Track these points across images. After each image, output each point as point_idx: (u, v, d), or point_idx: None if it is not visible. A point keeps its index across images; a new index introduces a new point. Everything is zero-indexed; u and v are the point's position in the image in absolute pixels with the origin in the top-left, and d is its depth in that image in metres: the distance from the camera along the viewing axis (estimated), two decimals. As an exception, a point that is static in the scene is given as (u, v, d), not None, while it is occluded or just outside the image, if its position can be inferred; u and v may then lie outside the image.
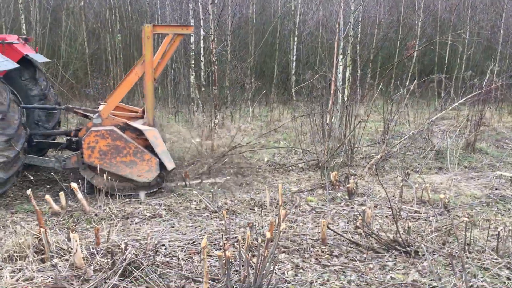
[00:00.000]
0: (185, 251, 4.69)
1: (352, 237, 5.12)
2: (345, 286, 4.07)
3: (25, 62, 7.61)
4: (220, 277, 4.03)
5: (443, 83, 15.73)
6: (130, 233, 5.25)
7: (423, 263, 4.50)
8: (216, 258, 4.34)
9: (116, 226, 5.43)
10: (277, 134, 11.45)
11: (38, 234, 4.50)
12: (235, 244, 4.80)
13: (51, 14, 16.95)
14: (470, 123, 10.33)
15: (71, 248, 4.31)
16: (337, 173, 7.31)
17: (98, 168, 6.46)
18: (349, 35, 13.51)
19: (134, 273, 4.03)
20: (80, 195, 5.84)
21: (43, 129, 7.89)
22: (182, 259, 4.48)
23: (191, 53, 14.04)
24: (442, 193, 6.53)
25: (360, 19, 16.56)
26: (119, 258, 4.11)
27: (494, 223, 5.64)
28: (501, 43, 18.65)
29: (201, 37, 13.98)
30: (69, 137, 7.60)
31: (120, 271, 4.00)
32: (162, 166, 6.65)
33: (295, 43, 18.35)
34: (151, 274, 4.06)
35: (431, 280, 4.14)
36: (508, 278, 4.19)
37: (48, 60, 8.41)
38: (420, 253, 4.66)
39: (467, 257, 4.56)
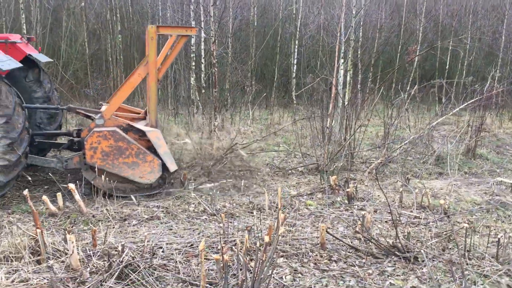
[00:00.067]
0: (182, 254, 4.66)
1: (351, 242, 5.08)
2: (344, 292, 4.03)
3: (29, 62, 7.59)
4: (218, 281, 3.99)
5: (444, 88, 15.69)
6: (127, 235, 5.21)
7: (422, 269, 4.46)
8: (213, 262, 4.30)
9: (113, 228, 5.39)
10: (277, 138, 11.42)
11: (34, 235, 4.46)
12: (233, 247, 4.76)
13: (52, 14, 16.93)
14: (471, 128, 10.30)
15: (68, 250, 4.27)
16: (337, 177, 7.28)
17: (97, 169, 6.42)
18: (350, 39, 13.48)
19: (130, 276, 3.99)
20: (77, 196, 5.80)
21: (43, 138, 7.84)
22: (180, 262, 4.44)
23: (192, 55, 14.01)
24: (442, 199, 6.49)
25: (361, 23, 16.53)
26: (116, 260, 4.08)
27: (494, 229, 5.61)
28: (503, 49, 18.64)
29: (202, 39, 13.96)
30: (71, 138, 7.56)
31: (116, 273, 3.97)
32: (164, 167, 6.62)
33: (296, 46, 18.33)
34: (148, 277, 4.02)
35: (430, 286, 4.11)
36: (508, 286, 4.15)
37: (50, 60, 8.38)
38: (419, 259, 4.62)
39: (467, 264, 4.53)
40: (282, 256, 4.67)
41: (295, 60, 18.45)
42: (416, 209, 6.29)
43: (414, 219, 5.96)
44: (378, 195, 6.95)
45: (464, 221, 5.83)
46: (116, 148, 6.43)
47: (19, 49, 7.21)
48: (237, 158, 8.44)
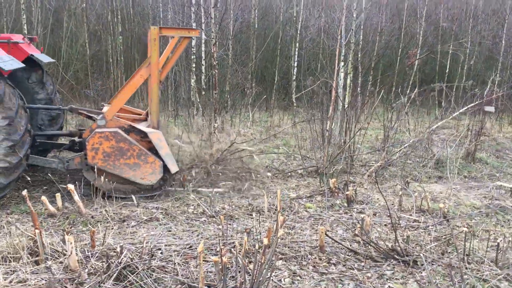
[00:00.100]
0: (181, 255, 4.65)
1: (351, 245, 5.07)
2: (343, 295, 4.02)
3: (32, 63, 7.60)
4: (216, 283, 3.98)
5: (444, 92, 15.69)
6: (126, 236, 5.20)
7: (421, 273, 4.45)
8: (212, 264, 4.29)
9: (112, 229, 5.38)
10: (276, 140, 11.42)
11: (33, 236, 4.45)
12: (232, 249, 4.75)
13: (53, 14, 16.94)
14: (471, 132, 10.30)
15: (66, 251, 4.26)
16: (336, 180, 7.27)
17: (96, 169, 6.41)
18: (351, 42, 13.50)
19: (129, 277, 3.98)
20: (76, 197, 5.80)
21: (44, 138, 7.82)
22: (178, 263, 4.43)
23: (192, 57, 14.01)
24: (442, 203, 6.49)
25: (362, 26, 16.55)
26: (114, 261, 4.07)
27: (494, 234, 5.60)
28: (503, 53, 18.66)
29: (203, 41, 13.96)
30: (72, 138, 7.55)
31: (115, 275, 3.96)
32: (165, 169, 6.61)
33: (297, 49, 18.34)
34: (146, 279, 4.01)
35: (429, 290, 4.09)
36: (507, 290, 4.14)
37: (53, 60, 8.39)
38: (418, 263, 4.61)
39: (466, 268, 4.52)
40: (281, 259, 4.66)
41: (296, 63, 18.46)
42: (416, 212, 6.28)
43: (413, 222, 5.95)
44: (378, 198, 6.95)
45: (463, 225, 5.82)
46: (118, 149, 6.42)
47: (21, 49, 7.21)
48: (236, 160, 8.43)
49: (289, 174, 8.51)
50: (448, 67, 19.19)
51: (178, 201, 6.62)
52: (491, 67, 18.60)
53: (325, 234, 4.91)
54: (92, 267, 4.18)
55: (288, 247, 4.95)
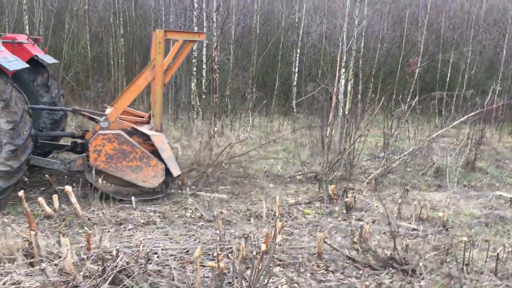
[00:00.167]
0: (178, 260, 4.60)
1: (349, 253, 5.03)
2: (340, 303, 3.97)
3: (37, 64, 7.59)
4: (213, 288, 3.93)
5: (444, 100, 15.68)
6: (122, 239, 5.15)
7: (420, 282, 4.41)
8: (209, 269, 4.24)
9: (108, 232, 5.34)
10: (276, 145, 11.38)
11: (28, 237, 4.41)
12: (229, 255, 4.70)
13: (55, 16, 16.94)
14: (471, 141, 10.27)
15: (62, 253, 4.21)
16: (336, 186, 7.23)
17: (100, 172, 6.38)
18: (352, 49, 13.50)
19: (124, 281, 3.93)
20: (73, 199, 5.76)
21: (46, 139, 7.78)
22: (175, 268, 4.38)
23: (193, 60, 14.01)
24: (441, 211, 6.44)
25: (363, 33, 16.56)
26: (110, 265, 4.02)
27: (493, 244, 5.55)
28: (503, 63, 18.67)
29: (204, 45, 13.95)
30: (74, 140, 7.51)
31: (110, 278, 3.91)
32: (167, 172, 6.58)
33: (298, 54, 18.34)
34: (142, 283, 3.96)
35: (428, 300, 4.05)
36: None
37: (57, 61, 8.37)
38: (417, 272, 4.56)
39: (465, 278, 4.47)
40: (278, 265, 4.62)
41: (297, 69, 18.46)
42: (415, 221, 6.23)
43: (412, 231, 5.91)
44: (377, 206, 6.91)
45: (463, 234, 5.78)
46: (120, 151, 6.40)
47: (25, 50, 7.19)
48: (236, 164, 8.41)
49: (288, 179, 8.47)
50: (449, 75, 19.20)
51: (176, 204, 6.57)
52: (491, 77, 18.60)
53: (324, 241, 4.87)
54: (87, 270, 4.13)
55: (286, 254, 4.90)
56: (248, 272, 4.04)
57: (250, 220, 6.06)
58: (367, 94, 16.39)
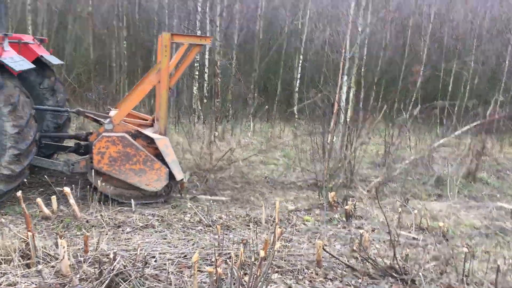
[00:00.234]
0: (175, 264, 4.57)
1: (348, 261, 4.99)
2: (339, 312, 3.93)
3: (44, 68, 7.59)
4: (210, 294, 3.89)
5: (446, 110, 15.66)
6: (120, 242, 5.12)
7: (419, 292, 4.37)
8: (207, 274, 4.20)
9: (106, 234, 5.30)
10: (277, 151, 11.35)
11: (25, 238, 4.38)
12: (228, 260, 4.67)
13: (58, 17, 16.96)
14: (472, 152, 10.23)
15: (58, 255, 4.18)
16: (336, 194, 7.19)
17: (97, 173, 6.36)
18: (355, 56, 13.50)
19: (121, 285, 3.90)
20: (72, 200, 5.72)
21: (50, 140, 7.76)
22: (172, 273, 4.34)
23: (196, 64, 14.01)
24: (441, 221, 6.41)
25: (366, 41, 16.57)
26: (107, 268, 3.98)
27: (494, 255, 5.51)
28: (506, 74, 18.65)
29: (207, 49, 13.96)
30: (77, 141, 7.49)
31: (106, 281, 3.87)
32: (171, 176, 6.55)
33: (300, 61, 18.34)
34: (139, 287, 3.92)
35: (427, 311, 4.01)
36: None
37: (62, 62, 8.35)
38: (417, 282, 4.52)
39: (465, 289, 4.43)
40: (277, 272, 4.58)
41: (299, 75, 18.46)
42: (415, 230, 6.19)
43: (412, 240, 5.87)
44: (377, 214, 6.86)
45: (463, 245, 5.73)
46: (124, 154, 6.38)
47: (31, 50, 7.18)
48: (236, 170, 8.38)
49: (288, 186, 8.44)
50: (451, 85, 19.18)
51: (175, 208, 6.54)
52: (494, 87, 18.58)
53: (323, 248, 4.83)
54: (84, 272, 4.09)
55: (285, 260, 4.87)
56: (246, 278, 3.99)
57: (249, 225, 6.03)
58: (369, 102, 16.39)
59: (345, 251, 5.34)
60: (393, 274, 4.62)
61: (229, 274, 4.17)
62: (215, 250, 4.88)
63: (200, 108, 14.27)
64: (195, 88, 14.31)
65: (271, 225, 6.02)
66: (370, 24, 15.41)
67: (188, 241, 5.33)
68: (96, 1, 18.05)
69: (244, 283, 3.89)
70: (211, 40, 7.23)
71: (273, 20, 20.66)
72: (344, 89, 12.52)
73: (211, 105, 13.47)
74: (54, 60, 7.73)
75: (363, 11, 14.37)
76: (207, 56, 14.19)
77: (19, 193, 4.72)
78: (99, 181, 6.37)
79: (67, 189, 5.71)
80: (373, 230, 6.17)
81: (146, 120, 7.81)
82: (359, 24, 13.60)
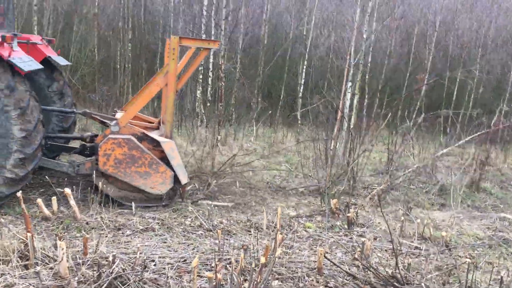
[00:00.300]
0: (175, 269, 4.52)
1: (349, 269, 4.94)
2: (339, 321, 3.88)
3: (54, 71, 7.60)
4: (209, 300, 3.84)
5: (450, 119, 15.61)
6: (120, 245, 5.08)
7: (421, 303, 4.31)
8: (206, 280, 4.16)
9: (106, 237, 5.26)
10: (279, 156, 11.30)
11: (24, 239, 4.34)
12: (228, 266, 4.62)
13: (64, 18, 17.00)
14: (476, 161, 10.17)
15: (57, 256, 4.14)
16: (338, 201, 7.14)
17: (102, 175, 6.35)
18: (360, 62, 13.48)
19: (119, 289, 3.85)
20: (72, 202, 5.69)
21: (55, 141, 7.74)
22: (171, 277, 4.30)
23: (200, 68, 14.00)
24: (444, 231, 6.35)
25: (371, 48, 16.55)
26: (106, 271, 3.95)
27: (497, 266, 5.45)
28: (511, 83, 18.61)
29: (211, 52, 13.96)
30: (83, 142, 7.47)
31: (105, 285, 3.84)
32: (175, 179, 6.52)
33: (305, 66, 18.32)
34: (137, 291, 3.88)
35: (429, 322, 3.95)
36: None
37: (69, 63, 8.35)
38: (419, 292, 4.47)
39: (468, 301, 4.37)
40: (277, 279, 4.53)
41: (303, 80, 18.44)
42: (417, 239, 6.14)
43: (414, 249, 5.81)
44: (379, 222, 6.81)
45: (465, 255, 5.68)
46: (130, 156, 6.36)
47: (39, 51, 7.18)
48: (238, 174, 8.34)
49: (290, 191, 8.39)
50: (455, 94, 19.14)
51: (175, 212, 6.50)
52: (498, 97, 18.52)
53: (324, 256, 4.78)
54: (82, 275, 4.05)
55: (285, 267, 4.82)
56: (246, 284, 3.95)
57: (250, 231, 5.98)
58: (373, 109, 16.35)
59: (346, 259, 5.29)
60: (395, 283, 4.56)
61: (229, 280, 4.13)
62: (215, 255, 4.83)
63: (203, 111, 14.25)
64: (198, 91, 14.30)
65: (272, 231, 5.98)
66: (375, 31, 15.40)
67: (188, 245, 5.29)
68: (102, 2, 18.10)
69: (244, 290, 3.85)
70: (219, 44, 7.22)
71: (278, 25, 20.68)
72: (348, 95, 12.48)
73: (214, 109, 13.45)
74: (61, 61, 7.74)
75: (369, 18, 14.36)
76: (211, 60, 14.18)
77: (19, 194, 4.69)
78: (100, 182, 6.34)
79: (67, 190, 5.68)
80: (375, 239, 6.11)
81: (152, 122, 7.79)
82: (364, 31, 13.60)
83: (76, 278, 3.99)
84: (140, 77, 18.04)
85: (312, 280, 4.61)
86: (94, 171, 6.48)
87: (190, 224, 6.05)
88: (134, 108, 6.72)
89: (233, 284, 3.98)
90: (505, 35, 20.63)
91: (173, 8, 17.80)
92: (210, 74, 14.27)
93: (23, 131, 5.75)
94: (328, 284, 4.56)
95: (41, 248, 4.43)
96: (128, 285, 3.92)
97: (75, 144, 8.03)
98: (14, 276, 3.99)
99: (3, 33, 5.81)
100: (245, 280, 4.29)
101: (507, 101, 17.00)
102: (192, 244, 5.33)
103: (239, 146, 10.96)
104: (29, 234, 4.20)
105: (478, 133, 10.40)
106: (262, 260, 3.61)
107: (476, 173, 9.72)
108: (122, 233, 5.51)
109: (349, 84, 12.49)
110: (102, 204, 6.17)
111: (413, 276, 4.81)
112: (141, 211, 6.31)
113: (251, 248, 5.05)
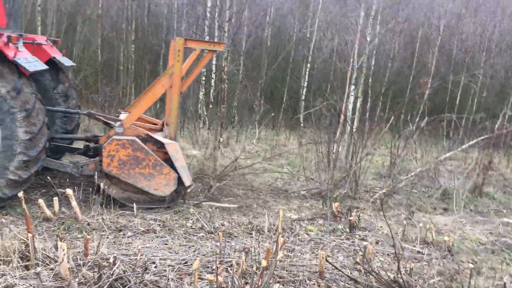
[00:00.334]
0: (175, 271, 4.50)
1: (351, 273, 4.91)
2: (340, 326, 3.85)
3: (58, 72, 7.60)
4: (210, 303, 3.82)
5: (453, 123, 15.55)
6: (121, 246, 5.06)
7: (423, 308, 4.28)
8: (207, 282, 4.13)
9: (107, 238, 5.25)
10: (281, 159, 11.29)
11: (25, 239, 4.33)
12: (229, 269, 4.60)
13: (68, 19, 17.03)
14: (479, 166, 10.12)
15: (58, 257, 4.13)
16: (340, 204, 7.12)
17: (112, 177, 6.36)
18: (363, 65, 13.45)
19: (120, 291, 3.83)
20: (74, 202, 5.68)
21: (59, 142, 7.74)
22: (172, 279, 4.28)
23: (203, 70, 14.00)
24: (447, 236, 6.32)
25: (374, 51, 16.52)
26: (106, 272, 3.93)
27: (499, 272, 5.41)
28: (515, 88, 18.56)
29: (214, 54, 13.95)
30: (87, 143, 7.47)
31: (105, 286, 3.82)
32: (179, 181, 6.51)
33: (308, 69, 18.31)
34: (138, 293, 3.86)
35: (431, 327, 3.92)
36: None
37: (74, 64, 8.37)
38: (421, 297, 4.44)
39: (471, 306, 4.34)
40: (278, 282, 4.49)
41: (306, 83, 18.42)
42: (420, 244, 6.11)
43: (417, 254, 5.78)
44: (381, 226, 6.78)
45: (468, 260, 5.64)
46: (134, 157, 6.36)
47: (44, 51, 7.19)
48: (240, 176, 8.32)
49: (292, 194, 8.37)
50: (458, 98, 19.09)
51: (177, 214, 6.48)
52: (502, 101, 18.46)
53: (326, 259, 4.76)
54: (83, 276, 4.03)
55: (287, 271, 4.79)
56: (247, 287, 3.93)
57: (251, 233, 5.95)
58: (376, 112, 16.32)
59: (348, 263, 5.26)
60: (397, 288, 4.53)
61: (230, 283, 4.11)
62: (216, 257, 4.82)
63: (205, 113, 14.24)
64: (201, 93, 14.30)
65: (273, 234, 5.95)
66: (379, 34, 15.38)
67: (189, 247, 5.27)
68: (106, 3, 18.13)
69: (245, 293, 3.83)
70: (224, 47, 7.23)
71: (281, 28, 20.69)
72: (351, 98, 12.46)
73: (217, 111, 13.45)
74: (66, 62, 7.75)
75: (372, 21, 14.34)
76: (214, 62, 14.18)
77: (20, 194, 4.69)
78: (102, 183, 6.33)
79: (69, 191, 5.68)
80: (377, 242, 6.08)
81: (156, 124, 7.79)
82: (368, 34, 13.57)
83: (77, 279, 3.98)
84: (143, 79, 18.06)
85: (314, 284, 4.58)
86: (96, 172, 6.47)
87: (191, 226, 6.03)
88: (139, 109, 6.73)
89: (234, 287, 3.96)
90: (509, 40, 20.57)
91: (177, 10, 17.81)
92: (213, 76, 14.26)
93: (28, 134, 5.77)
94: (330, 288, 4.53)
95: (42, 249, 4.41)
96: (128, 287, 3.90)
97: (79, 145, 8.03)
98: (15, 276, 3.98)
99: (8, 34, 5.82)
100: (246, 283, 4.26)
101: (510, 106, 16.94)
102: (193, 246, 5.31)
103: (241, 149, 10.94)
104: (30, 235, 4.19)
105: (482, 138, 10.34)
106: (264, 263, 3.59)
107: (479, 177, 9.68)
108: (123, 234, 5.50)
109: (352, 87, 12.46)
110: (103, 205, 6.16)
111: (415, 280, 4.78)
112: (142, 213, 6.30)
113: (252, 251, 5.03)
